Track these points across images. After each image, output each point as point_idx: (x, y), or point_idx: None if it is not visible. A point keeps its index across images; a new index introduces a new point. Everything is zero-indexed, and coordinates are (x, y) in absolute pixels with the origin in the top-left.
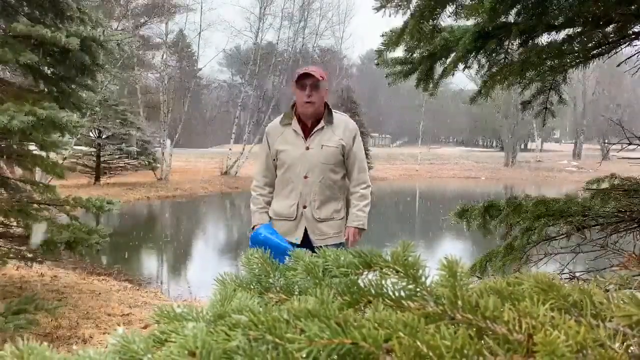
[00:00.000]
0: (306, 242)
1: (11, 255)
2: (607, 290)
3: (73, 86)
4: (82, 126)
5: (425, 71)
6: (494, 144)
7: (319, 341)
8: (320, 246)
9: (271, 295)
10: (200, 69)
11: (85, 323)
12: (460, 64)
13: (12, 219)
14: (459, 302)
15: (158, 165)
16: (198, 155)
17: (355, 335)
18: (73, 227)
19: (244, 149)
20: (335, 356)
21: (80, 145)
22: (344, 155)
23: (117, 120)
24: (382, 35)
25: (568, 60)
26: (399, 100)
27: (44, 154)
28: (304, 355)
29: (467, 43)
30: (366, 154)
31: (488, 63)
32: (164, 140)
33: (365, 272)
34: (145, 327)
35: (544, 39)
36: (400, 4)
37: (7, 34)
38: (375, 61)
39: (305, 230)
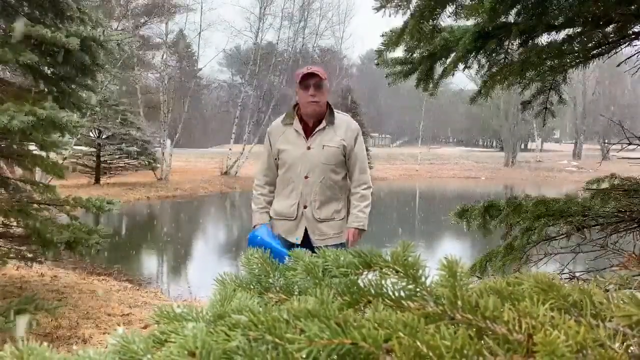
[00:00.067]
0: (306, 242)
1: (11, 255)
2: (607, 290)
3: (73, 86)
4: (82, 126)
5: (425, 71)
6: (494, 144)
7: (319, 341)
8: (320, 246)
9: (271, 295)
10: (200, 69)
11: (85, 323)
12: (460, 64)
13: (12, 219)
14: (459, 302)
15: (158, 165)
16: (198, 155)
17: (355, 335)
18: (73, 227)
19: (244, 149)
20: (335, 356)
21: (80, 145)
22: (345, 156)
23: (117, 120)
24: (382, 35)
25: (568, 60)
26: (399, 100)
27: (44, 154)
28: (304, 356)
29: (467, 43)
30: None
31: (488, 63)
32: (164, 140)
33: (365, 272)
34: (145, 327)
35: (544, 39)
36: (400, 4)
37: (7, 34)
38: (375, 61)
39: (306, 230)
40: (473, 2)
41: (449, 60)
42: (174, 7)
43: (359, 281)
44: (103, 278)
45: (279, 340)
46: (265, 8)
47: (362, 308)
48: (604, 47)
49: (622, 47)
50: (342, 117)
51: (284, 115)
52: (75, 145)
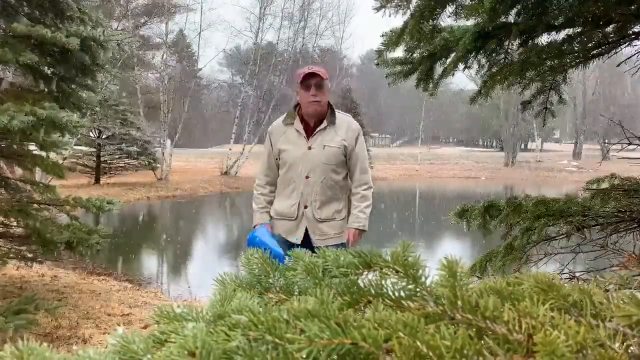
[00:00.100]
0: (307, 242)
1: (11, 255)
2: (607, 290)
3: (73, 86)
4: (82, 126)
5: (425, 71)
6: (494, 144)
7: (319, 341)
8: (320, 246)
9: (271, 295)
10: (200, 69)
11: (85, 323)
12: (460, 64)
13: (12, 219)
14: (459, 302)
15: (158, 165)
16: (198, 155)
17: (355, 335)
18: (73, 227)
19: (244, 149)
20: (335, 356)
21: (80, 145)
22: (346, 156)
23: (117, 120)
24: (382, 35)
25: (568, 60)
26: (399, 100)
27: (44, 154)
28: (304, 356)
29: (467, 43)
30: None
31: (488, 63)
32: (164, 140)
33: (365, 272)
34: (145, 327)
35: (544, 39)
36: (400, 4)
37: (7, 34)
38: (375, 61)
39: (307, 230)
40: (473, 2)
41: (449, 60)
42: (174, 7)
43: (359, 281)
44: (103, 278)
45: (279, 341)
46: (265, 8)
47: (362, 308)
48: (604, 47)
49: (622, 47)
50: (343, 117)
51: (285, 115)
52: (75, 145)
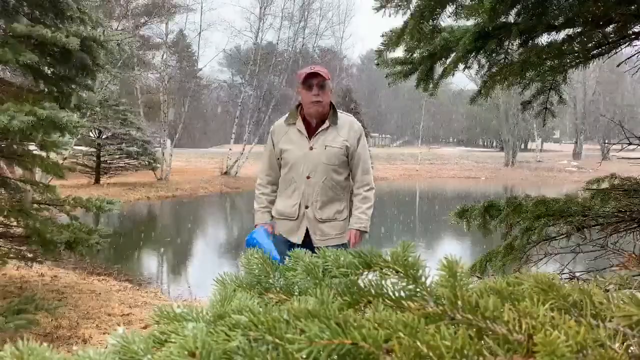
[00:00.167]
0: (308, 242)
1: (11, 255)
2: (607, 291)
3: (73, 86)
4: (82, 126)
5: (425, 71)
6: (494, 144)
7: (319, 341)
8: (320, 247)
9: (271, 295)
10: (201, 69)
11: (85, 323)
12: (460, 64)
13: (12, 219)
14: (459, 303)
15: (158, 165)
16: (198, 155)
17: (355, 335)
18: (73, 227)
19: (244, 149)
20: (335, 356)
21: (80, 145)
22: (347, 156)
23: (117, 120)
24: (382, 36)
25: (568, 60)
26: (399, 100)
27: (44, 154)
28: (304, 356)
29: (467, 43)
30: None
31: (488, 63)
32: (164, 140)
33: (365, 273)
34: (145, 327)
35: (544, 39)
36: (400, 4)
37: (7, 34)
38: (376, 61)
39: (307, 230)
40: (473, 2)
41: (449, 60)
42: (174, 7)
43: (359, 281)
44: (103, 278)
45: (279, 341)
46: (265, 8)
47: (362, 308)
48: (604, 47)
49: (622, 47)
50: (345, 118)
51: (287, 114)
52: (75, 145)
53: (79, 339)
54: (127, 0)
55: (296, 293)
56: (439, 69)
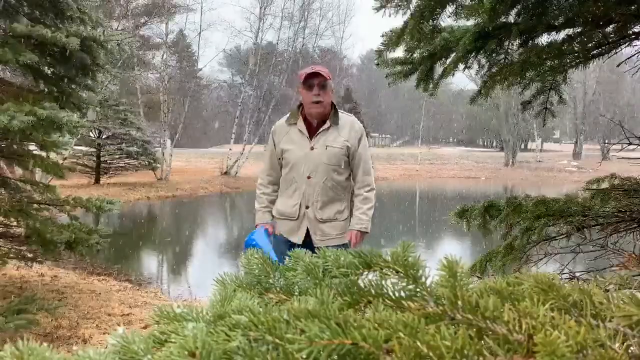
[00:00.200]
0: (308, 243)
1: (11, 255)
2: (607, 291)
3: (73, 86)
4: (82, 126)
5: (425, 71)
6: (494, 144)
7: (319, 342)
8: (320, 247)
9: (271, 295)
10: (201, 69)
11: (85, 323)
12: (460, 64)
13: (12, 219)
14: (459, 303)
15: (158, 165)
16: (198, 155)
17: (355, 335)
18: (73, 227)
19: (244, 149)
20: (336, 356)
21: (80, 145)
22: (348, 157)
23: (117, 120)
24: (382, 36)
25: (568, 60)
26: (399, 100)
27: (44, 154)
28: (304, 356)
29: (467, 43)
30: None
31: (488, 63)
32: (164, 140)
33: (366, 273)
34: (145, 327)
35: (544, 39)
36: (400, 4)
37: (7, 34)
38: (376, 61)
39: (308, 230)
40: (473, 2)
41: (449, 61)
42: (174, 7)
43: (359, 281)
44: (103, 278)
45: (279, 341)
46: (265, 8)
47: (363, 308)
48: (604, 47)
49: (622, 47)
50: (346, 118)
51: (288, 114)
52: (75, 145)
53: (79, 339)
54: (127, 0)
55: (296, 293)
56: (439, 69)
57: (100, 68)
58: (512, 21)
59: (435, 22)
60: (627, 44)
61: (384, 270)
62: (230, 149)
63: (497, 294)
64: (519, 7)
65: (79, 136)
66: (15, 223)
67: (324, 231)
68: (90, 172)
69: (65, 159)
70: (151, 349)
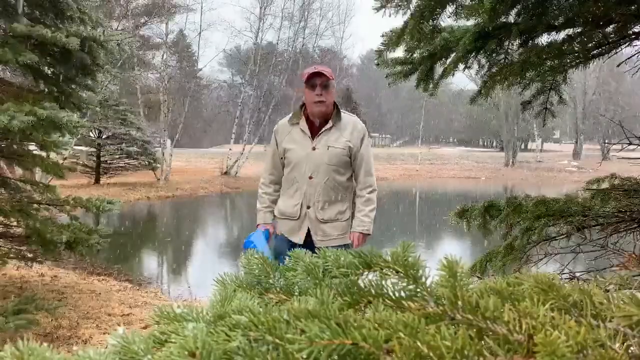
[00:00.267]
0: (309, 243)
1: (11, 255)
2: (607, 291)
3: (73, 86)
4: (82, 126)
5: (426, 71)
6: (494, 144)
7: (319, 342)
8: (320, 247)
9: (271, 295)
10: (201, 69)
11: (86, 323)
12: (460, 64)
13: (12, 219)
14: (459, 303)
15: (158, 165)
16: (198, 155)
17: (355, 335)
18: (73, 227)
19: (244, 149)
20: (336, 356)
21: (80, 145)
22: (350, 157)
23: (117, 120)
24: (382, 36)
25: (568, 61)
26: (399, 100)
27: (44, 154)
28: (305, 356)
29: (467, 43)
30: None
31: (488, 63)
32: (164, 140)
33: (366, 273)
34: (145, 328)
35: (544, 39)
36: (400, 4)
37: (7, 34)
38: (376, 61)
39: (309, 230)
40: (473, 2)
41: (449, 61)
42: (174, 7)
43: (359, 281)
44: (103, 278)
45: (280, 341)
46: (265, 8)
47: (363, 308)
48: (604, 47)
49: (622, 47)
50: (348, 118)
51: (291, 114)
52: (75, 145)
53: (79, 339)
54: (127, 0)
55: (296, 293)
56: (439, 69)
57: (100, 68)
58: (512, 21)
59: (435, 22)
60: (627, 44)
61: (384, 271)
62: (230, 149)
63: (497, 294)
64: (519, 7)
65: (78, 136)
66: (15, 223)
67: (325, 231)
68: (90, 172)
69: (65, 159)
70: (151, 349)
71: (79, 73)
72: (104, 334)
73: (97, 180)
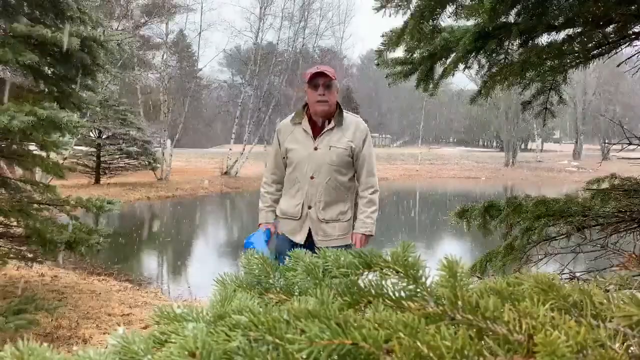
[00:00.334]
0: (310, 243)
1: (11, 255)
2: (607, 291)
3: (73, 86)
4: (82, 126)
5: (426, 71)
6: (494, 144)
7: (319, 342)
8: (320, 247)
9: (271, 295)
10: (201, 69)
11: (86, 323)
12: (460, 64)
13: (12, 219)
14: (459, 303)
15: (158, 165)
16: (198, 155)
17: (355, 335)
18: (73, 227)
19: (244, 149)
20: (336, 357)
21: (81, 145)
22: (352, 157)
23: (117, 120)
24: (382, 36)
25: (568, 61)
26: (399, 100)
27: (44, 154)
28: (304, 356)
29: (467, 43)
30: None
31: (488, 63)
32: (164, 140)
33: (366, 273)
34: (145, 328)
35: (544, 39)
36: (400, 4)
37: (7, 34)
38: (376, 61)
39: (310, 230)
40: (473, 2)
41: (449, 61)
42: (174, 7)
43: (359, 281)
44: (103, 278)
45: (280, 341)
46: (265, 8)
47: (363, 308)
48: (604, 47)
49: (622, 47)
50: (351, 118)
51: (293, 113)
52: (75, 145)
53: (79, 339)
54: (127, 0)
55: (296, 293)
56: (439, 69)
57: (100, 68)
58: (512, 21)
59: (435, 22)
60: (627, 44)
61: (384, 271)
62: (230, 149)
63: (497, 294)
64: (519, 7)
65: (79, 136)
66: (15, 223)
67: (326, 231)
68: (90, 172)
69: (65, 159)
70: (151, 349)
71: (79, 73)
72: (104, 334)
73: (97, 180)
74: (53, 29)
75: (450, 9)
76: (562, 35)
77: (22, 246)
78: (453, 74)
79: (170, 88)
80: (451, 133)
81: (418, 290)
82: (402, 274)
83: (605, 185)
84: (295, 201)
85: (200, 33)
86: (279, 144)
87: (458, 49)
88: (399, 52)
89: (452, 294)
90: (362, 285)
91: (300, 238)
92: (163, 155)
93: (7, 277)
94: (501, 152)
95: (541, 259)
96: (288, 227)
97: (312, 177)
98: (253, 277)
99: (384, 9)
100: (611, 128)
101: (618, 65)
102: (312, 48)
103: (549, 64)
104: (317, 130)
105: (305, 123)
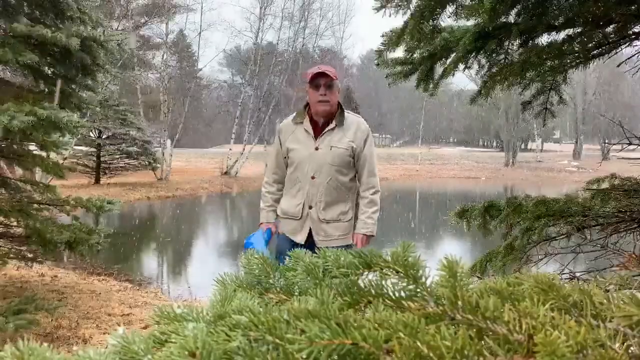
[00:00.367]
0: (311, 242)
1: (11, 255)
2: (608, 291)
3: (73, 86)
4: (82, 126)
5: (426, 71)
6: (494, 144)
7: (319, 342)
8: (320, 247)
9: (271, 295)
10: (201, 69)
11: (86, 323)
12: (460, 64)
13: (12, 219)
14: (459, 303)
15: (158, 165)
16: (198, 155)
17: (355, 335)
18: (73, 227)
19: (244, 149)
20: (336, 357)
21: (81, 145)
22: (353, 157)
23: (117, 120)
24: (382, 36)
25: (568, 61)
26: (399, 100)
27: (44, 154)
28: (304, 356)
29: (467, 43)
30: None
31: (488, 63)
32: (164, 140)
33: (366, 273)
34: (145, 328)
35: (544, 39)
36: (400, 4)
37: (8, 34)
38: (376, 61)
39: (311, 230)
40: (473, 2)
41: (449, 61)
42: (174, 7)
43: (360, 281)
44: (103, 278)
45: (280, 341)
46: (265, 8)
47: (363, 308)
48: (604, 47)
49: (622, 47)
50: (352, 118)
51: (295, 113)
52: (75, 145)
53: (79, 339)
54: (127, 0)
55: (296, 293)
56: (439, 69)
57: (100, 68)
58: (512, 21)
59: (435, 22)
60: (627, 44)
61: (384, 271)
62: (230, 149)
63: (497, 294)
64: (519, 7)
65: (79, 136)
66: (15, 223)
67: (327, 232)
68: (90, 172)
69: (65, 159)
70: (151, 349)
71: (79, 73)
72: (104, 334)
73: (97, 180)
74: (53, 29)
75: (450, 9)
76: (562, 35)
77: (22, 246)
78: (453, 74)
79: (170, 88)
80: (451, 133)
81: (418, 290)
82: (402, 274)
83: (605, 185)
84: (296, 201)
85: (200, 33)
86: (280, 144)
87: (458, 49)
88: (399, 52)
89: (452, 294)
90: (362, 285)
91: (300, 238)
92: (163, 155)
93: (7, 277)
94: (501, 152)
95: (541, 259)
96: (289, 227)
97: (313, 177)
98: (253, 277)
99: (384, 9)
100: (611, 128)
101: (618, 65)
102: (312, 48)
103: (549, 64)
104: (318, 130)
105: (307, 123)
